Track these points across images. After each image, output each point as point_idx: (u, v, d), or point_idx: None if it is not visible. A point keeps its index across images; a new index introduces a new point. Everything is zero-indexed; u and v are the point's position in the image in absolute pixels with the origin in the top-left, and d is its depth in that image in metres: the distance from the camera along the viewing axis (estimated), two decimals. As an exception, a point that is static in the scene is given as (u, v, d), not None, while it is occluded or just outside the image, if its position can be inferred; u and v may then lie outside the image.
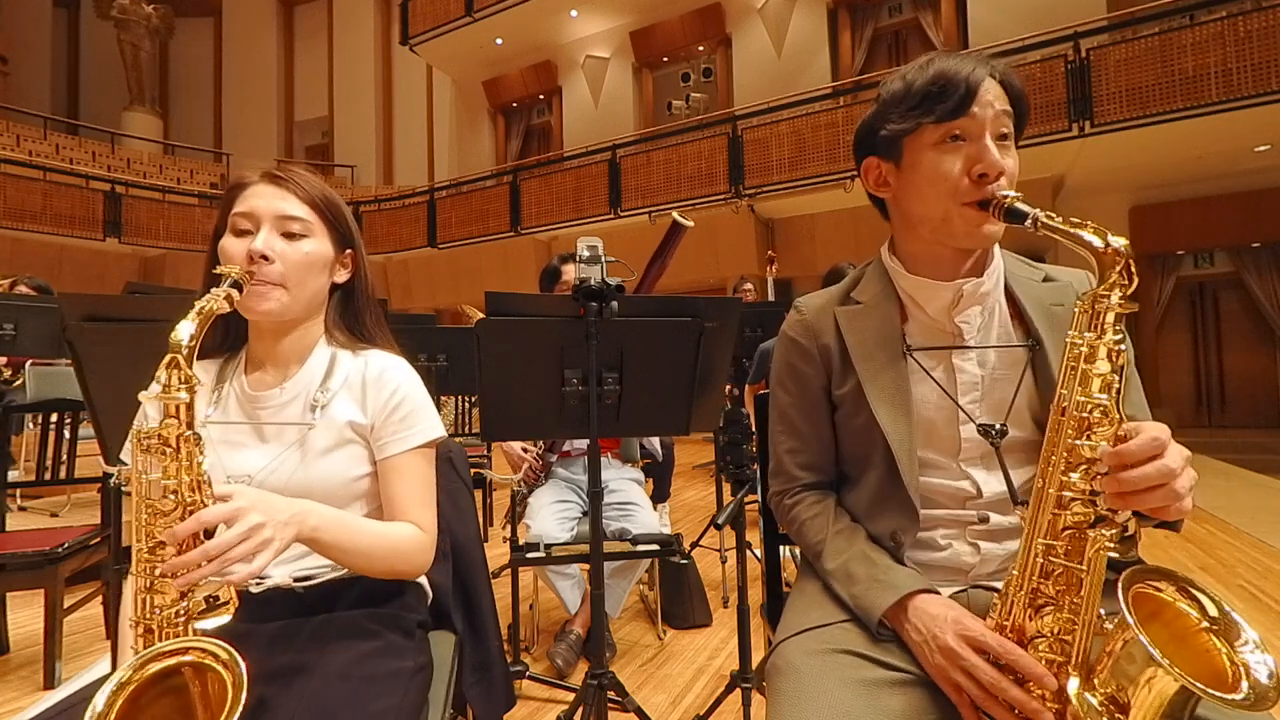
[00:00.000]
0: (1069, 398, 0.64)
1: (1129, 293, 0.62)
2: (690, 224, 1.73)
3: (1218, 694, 0.51)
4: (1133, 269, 0.62)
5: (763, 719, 0.76)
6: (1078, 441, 0.62)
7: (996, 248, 0.84)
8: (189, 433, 0.68)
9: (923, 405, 0.82)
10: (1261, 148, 6.22)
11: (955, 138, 0.76)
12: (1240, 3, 5.70)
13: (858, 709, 0.66)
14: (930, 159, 0.78)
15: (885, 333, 0.85)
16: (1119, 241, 0.62)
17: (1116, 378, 0.62)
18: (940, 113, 0.75)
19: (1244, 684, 0.52)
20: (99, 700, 0.57)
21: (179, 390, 0.67)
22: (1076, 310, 0.65)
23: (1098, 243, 0.62)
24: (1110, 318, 0.62)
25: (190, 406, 0.68)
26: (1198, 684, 0.50)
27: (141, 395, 0.81)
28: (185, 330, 0.68)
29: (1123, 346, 0.63)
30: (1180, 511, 0.59)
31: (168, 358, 0.67)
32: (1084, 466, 0.62)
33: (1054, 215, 0.67)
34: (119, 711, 0.58)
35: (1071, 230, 0.64)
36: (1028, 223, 0.69)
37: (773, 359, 0.96)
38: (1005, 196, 0.73)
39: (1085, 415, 0.62)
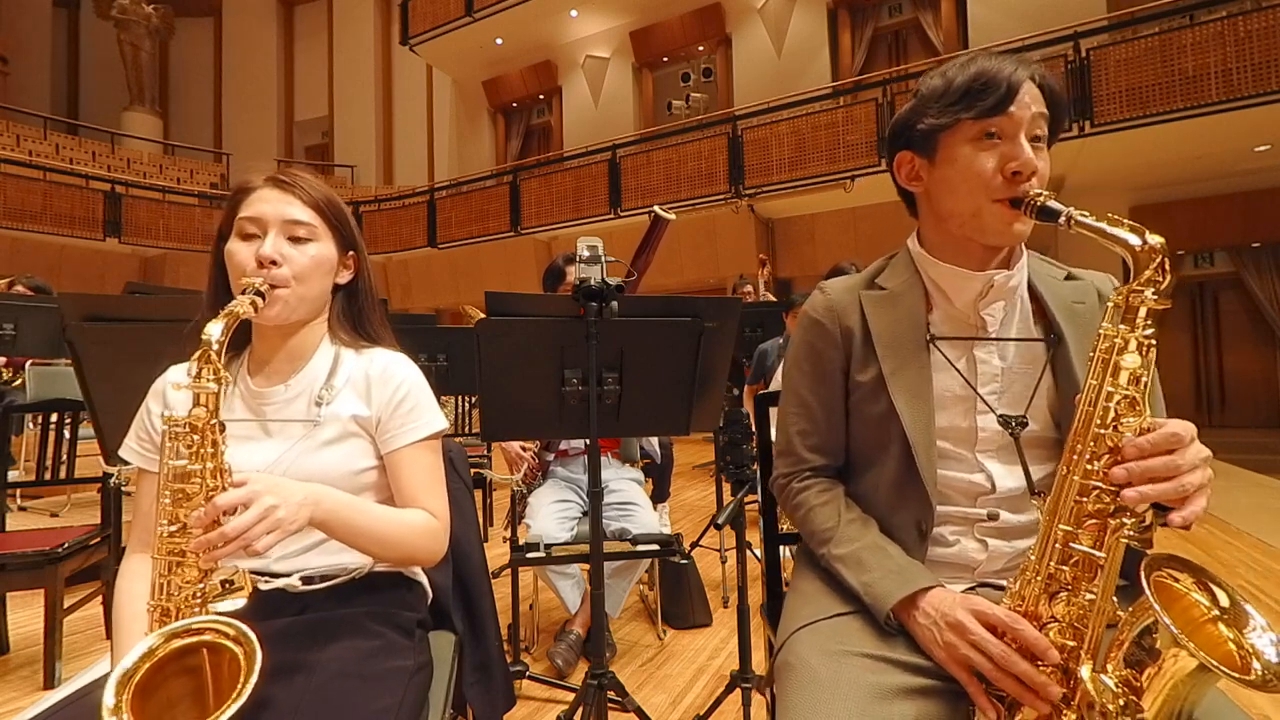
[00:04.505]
0: (1097, 388, 0.64)
1: (1163, 289, 0.62)
2: (672, 217, 1.74)
3: (1233, 673, 0.51)
4: (1168, 266, 0.62)
5: (763, 719, 0.76)
6: (1103, 431, 0.63)
7: (1023, 245, 0.84)
8: (214, 421, 0.71)
9: (943, 395, 0.82)
10: (1261, 148, 6.21)
11: (991, 135, 0.77)
12: (1240, 3, 5.70)
13: (874, 716, 0.66)
14: (965, 154, 0.78)
15: (910, 321, 0.85)
16: (1155, 239, 0.62)
17: (1145, 372, 0.63)
18: (979, 109, 0.76)
19: (1255, 665, 0.53)
20: (128, 660, 0.61)
21: (209, 381, 0.71)
22: (1110, 304, 0.65)
23: (1135, 240, 0.63)
24: (1143, 312, 0.63)
25: (217, 397, 0.72)
26: (1214, 662, 0.51)
27: (154, 387, 0.85)
28: (215, 329, 0.73)
29: (1153, 342, 0.63)
30: (1191, 513, 0.59)
31: (200, 351, 0.71)
32: (1108, 456, 0.63)
33: (1087, 213, 0.67)
34: (143, 677, 0.61)
35: (1107, 228, 0.64)
36: (1061, 220, 0.69)
37: (792, 339, 0.96)
38: (1037, 195, 0.73)
39: (1112, 406, 0.63)
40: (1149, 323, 0.63)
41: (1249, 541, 3.17)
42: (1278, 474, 4.66)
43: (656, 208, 1.75)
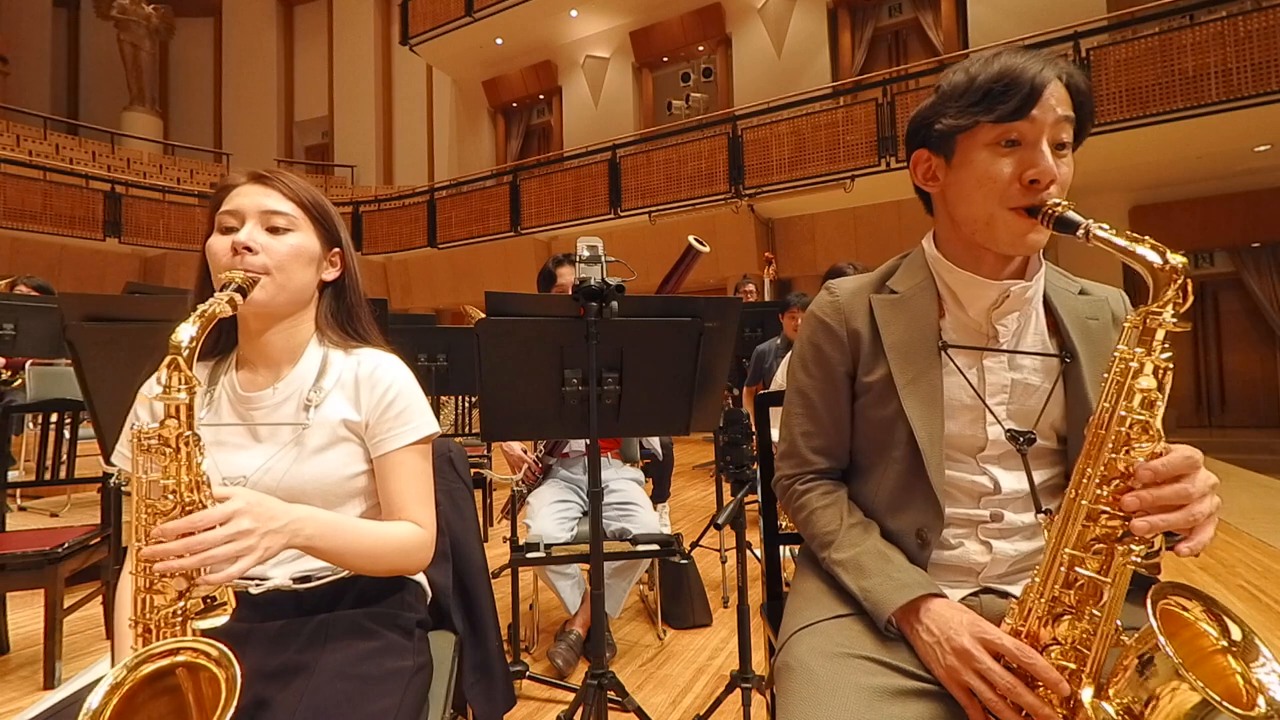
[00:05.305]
0: (1110, 410, 0.62)
1: (1182, 311, 0.60)
2: (706, 249, 1.70)
3: (1236, 709, 0.50)
4: (1189, 288, 0.60)
5: (763, 719, 0.76)
6: (1115, 455, 0.61)
7: (1040, 254, 0.82)
8: (189, 433, 0.68)
9: (951, 403, 0.81)
10: (1261, 148, 6.22)
11: (1011, 142, 0.73)
12: (1240, 3, 5.71)
13: (871, 718, 0.66)
14: (982, 159, 0.75)
15: (922, 327, 0.83)
16: (1177, 259, 0.60)
17: (1160, 395, 0.61)
18: (1000, 113, 0.72)
19: (1260, 701, 0.52)
20: (93, 700, 0.57)
21: (179, 391, 0.67)
22: (1127, 325, 0.63)
23: (1155, 259, 0.60)
24: (1160, 335, 0.61)
25: (190, 407, 0.68)
26: (1216, 696, 0.50)
27: (142, 394, 0.80)
28: (186, 332, 0.68)
29: (1169, 365, 0.62)
30: (1199, 542, 0.58)
31: (168, 359, 0.67)
32: (1118, 480, 0.61)
33: (1106, 226, 0.64)
34: (113, 711, 0.58)
35: (1127, 245, 0.62)
36: (1079, 232, 0.67)
37: (797, 340, 0.95)
38: (1056, 205, 0.71)
39: (1125, 430, 0.61)
40: (1166, 346, 0.61)
41: (1249, 541, 3.17)
42: (1278, 474, 4.66)
43: (692, 239, 1.72)
